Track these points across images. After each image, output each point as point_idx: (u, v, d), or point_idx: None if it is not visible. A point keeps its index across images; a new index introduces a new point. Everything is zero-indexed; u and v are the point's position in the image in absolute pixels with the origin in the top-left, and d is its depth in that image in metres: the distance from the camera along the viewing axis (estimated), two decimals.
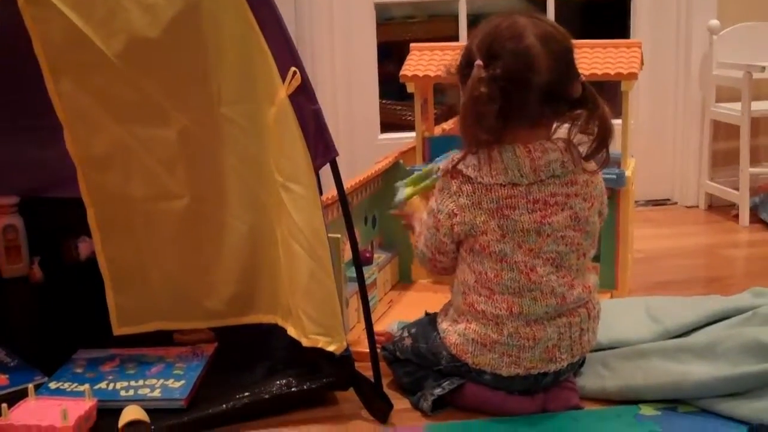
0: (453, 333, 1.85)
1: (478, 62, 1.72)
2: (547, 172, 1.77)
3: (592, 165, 1.82)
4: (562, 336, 1.81)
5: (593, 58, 2.41)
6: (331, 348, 1.84)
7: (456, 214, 1.79)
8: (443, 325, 1.89)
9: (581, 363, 1.95)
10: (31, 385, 1.82)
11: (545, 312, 1.79)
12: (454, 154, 1.82)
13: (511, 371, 1.81)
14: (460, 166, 1.78)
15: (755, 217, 3.33)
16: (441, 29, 4.08)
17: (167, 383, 1.89)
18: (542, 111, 1.76)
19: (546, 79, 1.71)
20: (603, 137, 1.77)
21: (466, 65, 1.77)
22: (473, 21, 3.48)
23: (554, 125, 1.82)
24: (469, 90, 1.72)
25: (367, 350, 1.89)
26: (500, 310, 1.79)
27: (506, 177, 1.76)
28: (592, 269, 1.93)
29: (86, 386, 1.81)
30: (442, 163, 1.85)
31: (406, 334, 1.98)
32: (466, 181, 1.78)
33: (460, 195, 1.78)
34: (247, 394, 1.85)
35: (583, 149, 1.80)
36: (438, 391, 1.86)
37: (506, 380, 1.83)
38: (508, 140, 1.76)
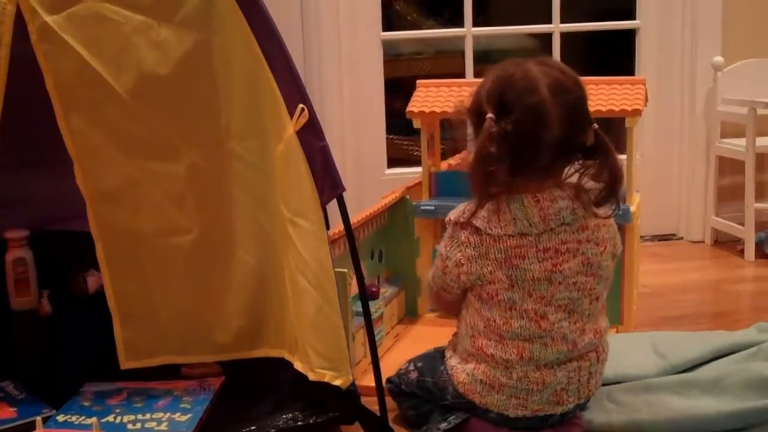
0: (462, 372, 1.84)
1: (490, 115, 1.71)
2: (556, 221, 1.75)
3: (603, 211, 1.79)
4: (571, 380, 1.80)
5: (598, 94, 2.43)
6: (337, 382, 1.84)
7: (463, 264, 1.79)
8: (451, 362, 1.88)
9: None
10: (39, 418, 1.82)
11: (556, 358, 1.78)
12: (466, 206, 1.80)
13: (518, 413, 1.80)
14: (471, 218, 1.77)
15: (761, 252, 3.33)
16: (448, 65, 4.12)
17: (174, 417, 1.90)
18: (553, 163, 1.74)
19: (558, 134, 1.69)
20: (612, 186, 1.75)
21: (477, 113, 1.76)
22: (480, 57, 3.51)
23: (565, 170, 1.79)
24: (479, 147, 1.71)
25: (374, 384, 1.90)
26: (510, 355, 1.77)
27: (515, 228, 1.74)
28: (604, 311, 1.90)
29: (94, 419, 1.81)
30: (453, 213, 1.83)
31: (412, 367, 1.99)
32: (474, 232, 1.77)
33: (467, 246, 1.78)
34: (253, 428, 1.85)
35: (593, 194, 1.78)
36: (444, 426, 1.86)
37: (512, 420, 1.82)
38: (518, 190, 1.75)
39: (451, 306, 1.93)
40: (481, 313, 1.80)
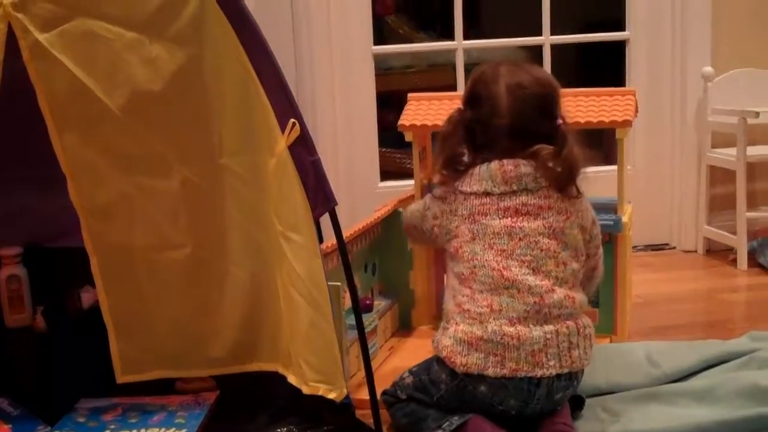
0: (444, 337, 1.90)
1: (459, 107, 2.04)
2: (519, 184, 1.92)
3: (572, 191, 1.95)
4: (549, 342, 1.84)
5: (588, 106, 2.45)
6: (331, 395, 1.84)
7: (437, 218, 2.03)
8: (437, 337, 1.95)
9: (581, 403, 1.98)
10: None
11: (525, 311, 1.84)
12: None
13: (497, 371, 1.82)
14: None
15: (753, 261, 3.35)
16: (439, 78, 4.14)
17: None
18: (512, 145, 1.94)
19: (508, 122, 1.93)
20: (569, 171, 1.92)
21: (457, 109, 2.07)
22: (471, 70, 3.51)
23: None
24: (442, 128, 2.05)
25: (368, 397, 1.90)
26: (482, 308, 1.86)
27: (480, 186, 1.94)
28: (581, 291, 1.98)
29: None
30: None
31: (407, 374, 2.02)
32: (451, 190, 2.00)
33: (443, 201, 2.02)
34: None
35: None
36: None
37: (499, 387, 1.83)
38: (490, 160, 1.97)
39: (416, 240, 2.27)
40: (454, 271, 1.96)
